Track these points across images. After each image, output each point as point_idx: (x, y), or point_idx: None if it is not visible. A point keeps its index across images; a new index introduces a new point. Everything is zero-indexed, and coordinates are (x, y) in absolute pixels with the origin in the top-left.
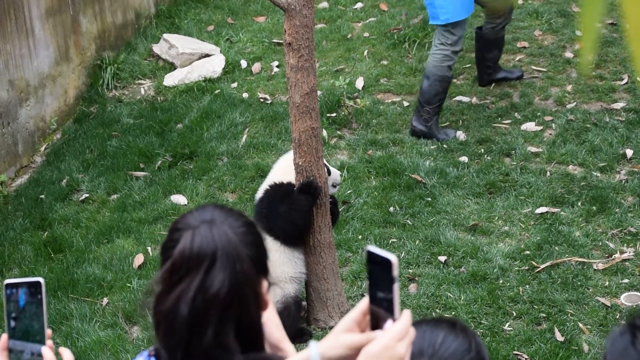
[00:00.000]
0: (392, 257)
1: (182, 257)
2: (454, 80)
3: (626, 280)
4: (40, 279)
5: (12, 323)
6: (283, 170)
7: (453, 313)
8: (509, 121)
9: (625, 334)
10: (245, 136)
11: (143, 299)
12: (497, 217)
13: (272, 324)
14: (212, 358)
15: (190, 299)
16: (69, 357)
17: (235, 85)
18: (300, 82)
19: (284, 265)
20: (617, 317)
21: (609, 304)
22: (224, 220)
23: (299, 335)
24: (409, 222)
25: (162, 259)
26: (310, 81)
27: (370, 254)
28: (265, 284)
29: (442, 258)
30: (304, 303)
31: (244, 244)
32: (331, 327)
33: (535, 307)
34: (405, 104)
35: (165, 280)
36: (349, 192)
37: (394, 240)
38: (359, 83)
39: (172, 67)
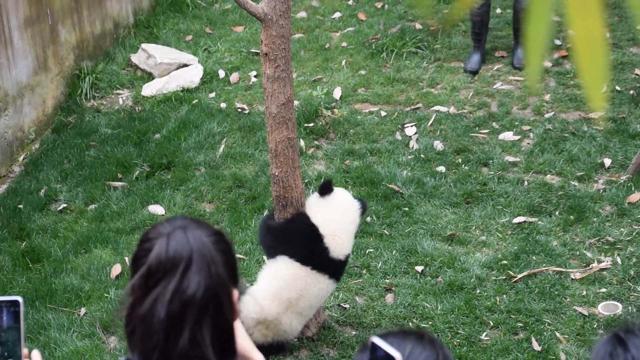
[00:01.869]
0: (397, 355)
1: (158, 261)
2: (432, 89)
3: (604, 290)
4: (19, 298)
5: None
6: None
7: (430, 323)
8: (486, 131)
9: (607, 344)
10: (222, 146)
11: (119, 307)
12: (474, 227)
13: (241, 333)
14: (188, 358)
15: (167, 301)
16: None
17: (213, 95)
18: (277, 93)
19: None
20: (595, 326)
21: (586, 314)
22: (197, 227)
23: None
24: (386, 232)
25: (133, 269)
26: (286, 91)
27: (375, 347)
28: (236, 293)
29: (419, 268)
30: None
31: (217, 250)
32: (308, 338)
33: (513, 316)
34: (383, 113)
35: (140, 286)
36: None
37: (371, 250)
38: (337, 93)
39: (150, 77)
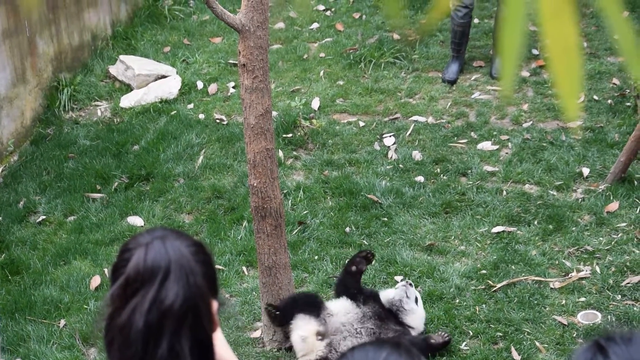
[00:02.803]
0: None
1: (136, 271)
2: (410, 100)
3: (583, 299)
4: None
5: None
6: None
7: None
8: (465, 140)
9: (587, 351)
10: (201, 157)
11: (99, 317)
12: (453, 237)
13: (221, 343)
14: None
15: (145, 311)
16: None
17: (191, 106)
18: (255, 103)
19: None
20: (574, 335)
21: (565, 323)
22: (176, 237)
23: None
24: (365, 242)
25: (113, 280)
26: (265, 102)
27: None
28: (215, 304)
29: (399, 278)
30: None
31: (195, 261)
32: (287, 348)
33: (492, 326)
34: (361, 124)
35: (119, 296)
36: (305, 212)
37: None
38: (315, 103)
39: (128, 88)
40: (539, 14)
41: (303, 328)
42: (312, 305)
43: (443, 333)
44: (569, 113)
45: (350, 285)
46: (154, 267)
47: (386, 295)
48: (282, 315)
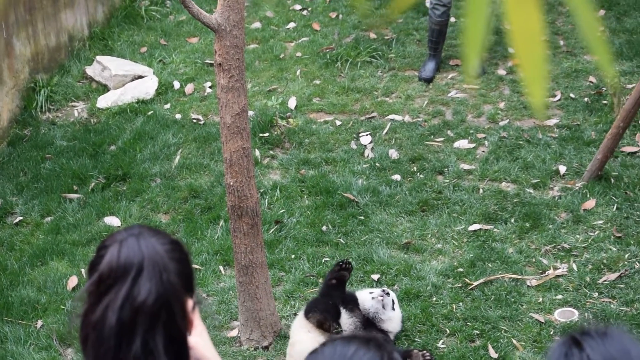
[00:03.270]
0: None
1: (109, 267)
2: (386, 98)
3: (560, 297)
4: None
5: None
6: None
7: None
8: (441, 139)
9: (562, 345)
10: (178, 157)
11: (74, 315)
12: (430, 235)
13: (203, 341)
14: None
15: (118, 307)
16: None
17: (168, 106)
18: (231, 103)
19: None
20: (551, 333)
21: (542, 320)
22: (152, 235)
23: None
24: (342, 241)
25: (89, 277)
26: (241, 101)
27: None
28: (190, 302)
29: (375, 276)
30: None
31: (170, 258)
32: (265, 347)
33: (469, 324)
34: (338, 122)
35: (93, 293)
36: (281, 211)
37: (327, 259)
38: (292, 103)
39: (105, 89)
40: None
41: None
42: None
43: (426, 354)
44: (534, 98)
45: (336, 295)
46: (127, 264)
47: (362, 302)
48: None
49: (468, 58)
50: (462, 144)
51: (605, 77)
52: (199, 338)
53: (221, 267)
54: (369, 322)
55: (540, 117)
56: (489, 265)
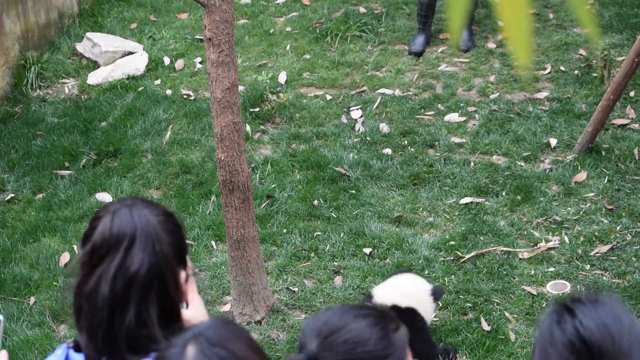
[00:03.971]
0: None
1: (102, 238)
2: (376, 72)
3: (552, 269)
4: (1, 317)
5: None
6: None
7: None
8: (432, 112)
9: (554, 312)
10: (169, 133)
11: (66, 288)
12: (421, 209)
13: (200, 315)
14: (135, 339)
15: (111, 278)
16: (4, 357)
17: (158, 82)
18: (221, 77)
19: None
20: (544, 305)
21: (535, 293)
22: (145, 206)
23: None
24: (334, 215)
25: (83, 247)
26: (231, 76)
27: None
28: (183, 274)
29: (367, 250)
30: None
31: (163, 229)
32: (257, 321)
33: (461, 297)
34: (328, 97)
35: (85, 264)
36: (273, 186)
37: (319, 233)
38: (282, 77)
39: (95, 65)
40: None
41: None
42: None
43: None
44: (519, 60)
45: None
46: (120, 235)
47: None
48: None
49: (451, 26)
50: (453, 117)
51: (595, 49)
52: (196, 312)
53: (213, 242)
54: None
55: (525, 79)
56: (481, 238)
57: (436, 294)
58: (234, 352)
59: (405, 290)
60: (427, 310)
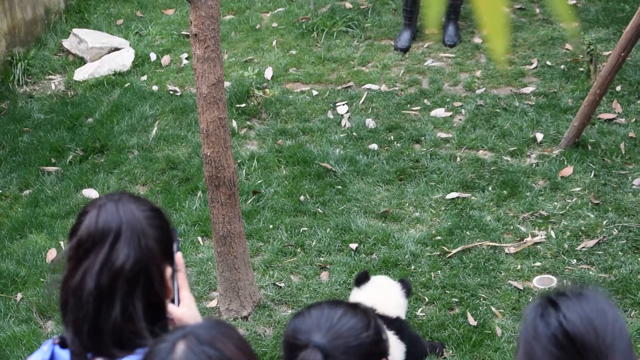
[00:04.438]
0: None
1: (87, 232)
2: (363, 68)
3: (538, 264)
4: None
5: None
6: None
7: None
8: (418, 108)
9: (538, 307)
10: (155, 129)
11: (53, 282)
12: (407, 204)
13: (191, 312)
14: (121, 333)
15: (97, 272)
16: None
17: (145, 78)
18: (207, 73)
19: None
20: (530, 300)
21: (521, 288)
22: (132, 201)
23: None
24: (320, 211)
25: (69, 241)
26: (217, 72)
27: None
28: (169, 270)
29: (354, 245)
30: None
31: (148, 224)
32: (244, 317)
33: (448, 292)
34: (315, 92)
35: (72, 258)
36: (259, 182)
37: (305, 228)
38: (268, 73)
39: (82, 61)
40: None
41: None
42: None
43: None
44: (495, 54)
45: None
46: (105, 229)
47: None
48: None
49: (427, 13)
50: (439, 112)
51: (581, 44)
52: (187, 309)
53: (199, 238)
54: None
55: (503, 71)
56: (467, 233)
57: (406, 289)
58: (222, 352)
59: (383, 298)
60: (403, 307)
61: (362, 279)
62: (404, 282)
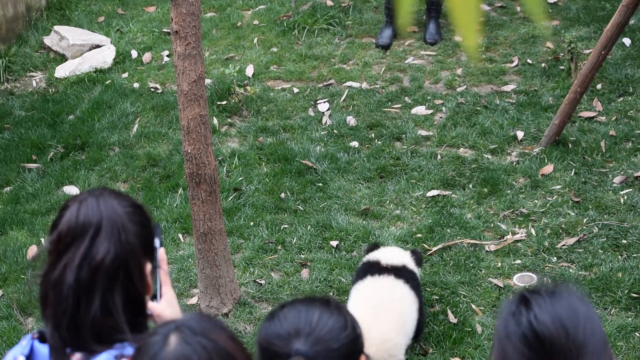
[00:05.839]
0: None
1: (68, 226)
2: (344, 65)
3: (518, 261)
4: None
5: None
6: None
7: (346, 298)
8: (399, 105)
9: (511, 303)
10: (136, 126)
11: (33, 277)
12: (388, 201)
13: (171, 309)
14: (100, 328)
15: (76, 266)
16: None
17: (126, 75)
18: (188, 70)
19: None
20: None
21: (501, 285)
22: (113, 197)
23: None
24: (301, 208)
25: (50, 236)
26: (197, 69)
27: None
28: (149, 266)
29: (334, 243)
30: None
31: (129, 220)
32: (224, 314)
33: (428, 289)
34: (295, 90)
35: (52, 252)
36: (240, 179)
37: (286, 226)
38: (249, 71)
39: (63, 58)
40: None
41: None
42: None
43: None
44: (468, 50)
45: None
46: (85, 223)
47: None
48: None
49: (399, 10)
50: (420, 110)
51: (563, 42)
52: (167, 306)
53: (180, 235)
54: None
55: (474, 62)
56: (448, 230)
57: (417, 258)
58: (217, 342)
59: (396, 253)
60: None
61: (372, 248)
62: (415, 253)
